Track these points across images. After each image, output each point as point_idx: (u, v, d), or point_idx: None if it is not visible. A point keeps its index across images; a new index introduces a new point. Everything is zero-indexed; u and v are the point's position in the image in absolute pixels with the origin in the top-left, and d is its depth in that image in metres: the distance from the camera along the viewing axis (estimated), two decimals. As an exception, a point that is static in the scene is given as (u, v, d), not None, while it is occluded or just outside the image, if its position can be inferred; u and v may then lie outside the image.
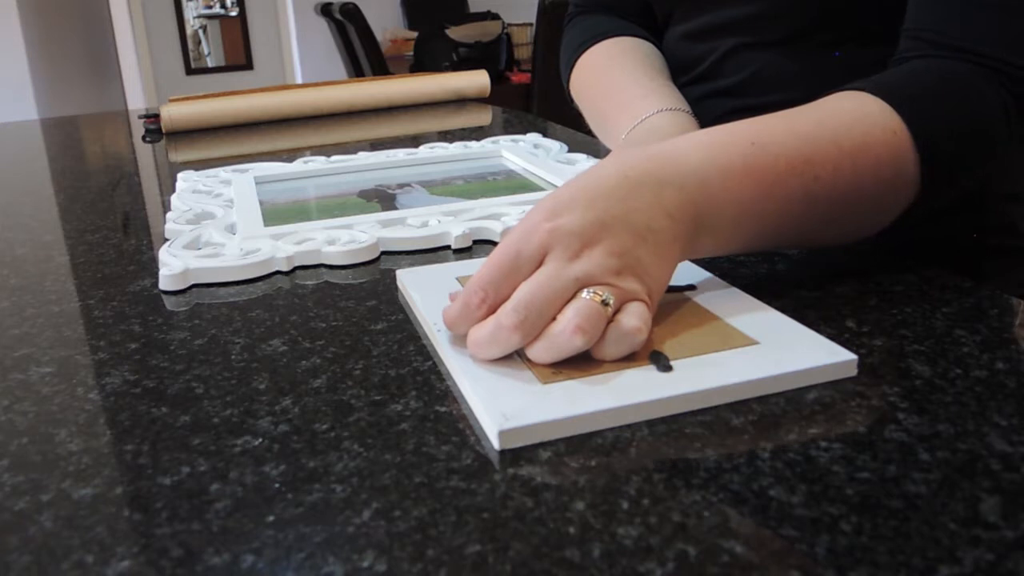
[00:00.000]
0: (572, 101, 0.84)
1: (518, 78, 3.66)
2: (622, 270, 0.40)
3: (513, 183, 0.75)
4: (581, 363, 0.38)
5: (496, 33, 3.70)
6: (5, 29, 2.61)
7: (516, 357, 0.39)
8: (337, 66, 4.15)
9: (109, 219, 0.72)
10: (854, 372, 0.38)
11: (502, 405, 0.35)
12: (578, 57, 0.82)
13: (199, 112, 1.14)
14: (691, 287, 0.47)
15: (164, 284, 0.53)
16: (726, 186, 0.44)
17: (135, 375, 0.42)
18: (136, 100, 4.61)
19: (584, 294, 0.38)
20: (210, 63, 5.10)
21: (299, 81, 5.00)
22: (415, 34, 4.11)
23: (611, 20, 0.83)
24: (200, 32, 5.06)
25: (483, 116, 1.18)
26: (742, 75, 0.71)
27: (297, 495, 0.31)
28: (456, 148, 0.88)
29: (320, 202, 0.72)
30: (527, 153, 0.83)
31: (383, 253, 0.58)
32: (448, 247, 0.59)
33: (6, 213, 0.76)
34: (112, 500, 0.32)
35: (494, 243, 0.59)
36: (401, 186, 0.75)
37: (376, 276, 0.54)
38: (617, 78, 0.75)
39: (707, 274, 0.49)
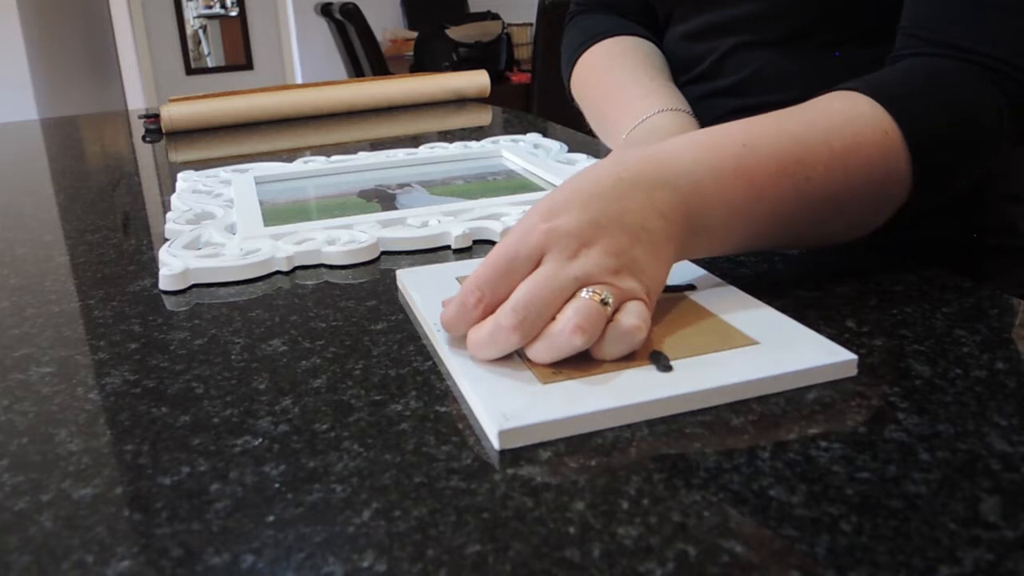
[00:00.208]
0: (573, 100, 0.84)
1: (518, 78, 3.66)
2: (620, 269, 0.40)
3: (513, 183, 0.75)
4: (581, 363, 0.38)
5: (496, 33, 3.70)
6: (5, 29, 2.61)
7: (516, 357, 0.39)
8: (337, 66, 4.15)
9: (109, 219, 0.72)
10: (854, 372, 0.38)
11: (502, 405, 0.35)
12: (579, 56, 0.82)
13: (199, 112, 1.14)
14: (691, 287, 0.47)
15: (164, 284, 0.53)
16: (718, 187, 0.44)
17: (135, 375, 0.42)
18: (136, 100, 4.62)
19: (583, 294, 0.38)
20: (210, 63, 5.10)
21: (299, 81, 5.00)
22: (415, 34, 4.11)
23: (612, 19, 0.83)
24: (200, 32, 5.06)
25: (483, 116, 1.18)
26: (742, 74, 0.71)
27: (297, 495, 0.31)
28: (456, 148, 0.88)
29: (320, 202, 0.72)
30: (527, 153, 0.83)
31: (383, 253, 0.58)
32: (448, 247, 0.59)
33: (6, 213, 0.76)
34: (112, 500, 0.32)
35: (494, 243, 0.59)
36: (401, 186, 0.75)
37: (376, 276, 0.54)
38: (618, 78, 0.75)
39: (707, 274, 0.49)
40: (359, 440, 0.35)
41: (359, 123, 1.16)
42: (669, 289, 0.47)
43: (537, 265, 0.40)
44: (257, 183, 0.77)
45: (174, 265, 0.54)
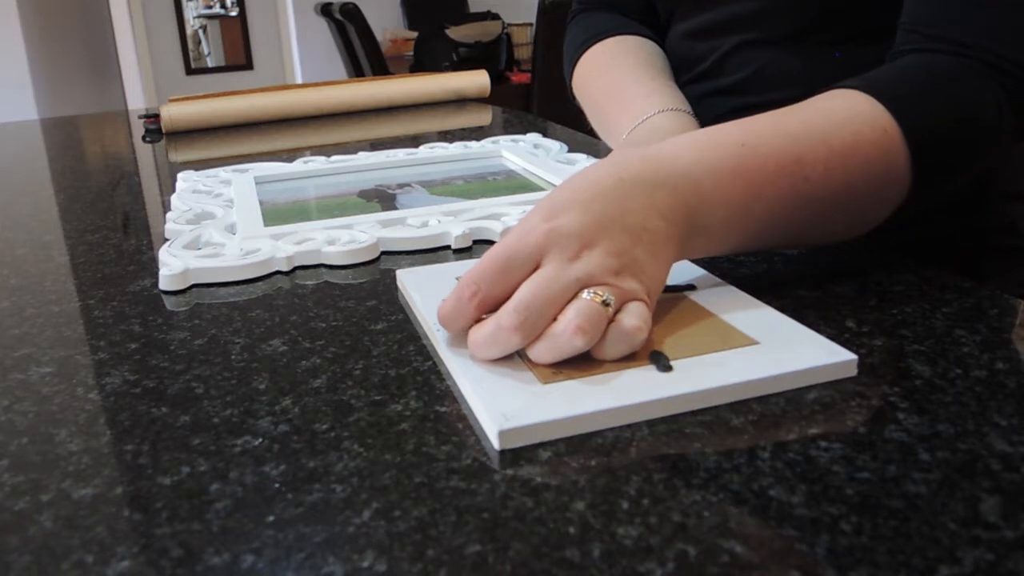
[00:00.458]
0: (574, 99, 0.84)
1: (518, 78, 3.66)
2: (621, 270, 0.40)
3: (513, 183, 0.75)
4: (581, 363, 0.38)
5: (496, 33, 3.70)
6: (5, 29, 2.61)
7: (516, 357, 0.39)
8: (337, 66, 4.15)
9: (109, 219, 0.72)
10: (854, 372, 0.38)
11: (502, 405, 0.35)
12: (581, 55, 0.82)
13: (199, 112, 1.14)
14: (691, 287, 0.47)
15: (164, 284, 0.53)
16: (716, 187, 0.44)
17: (135, 375, 0.42)
18: (136, 100, 4.61)
19: (584, 294, 0.38)
20: (210, 63, 5.10)
21: (299, 81, 5.00)
22: (415, 34, 4.11)
23: (614, 18, 0.84)
24: (200, 32, 5.06)
25: (483, 116, 1.18)
26: (744, 73, 0.71)
27: (297, 495, 0.31)
28: (456, 148, 0.88)
29: (320, 202, 0.72)
30: (527, 153, 0.83)
31: (383, 253, 0.58)
32: (448, 247, 0.59)
33: (6, 213, 0.76)
34: (112, 500, 0.32)
35: (494, 243, 0.59)
36: (401, 186, 0.75)
37: (376, 276, 0.54)
38: (619, 77, 0.75)
39: (707, 274, 0.49)
40: (359, 440, 0.35)
41: (359, 123, 1.16)
42: (669, 289, 0.47)
43: (537, 265, 0.40)
44: (257, 183, 0.77)
45: (174, 265, 0.54)
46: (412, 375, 0.40)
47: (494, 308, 0.40)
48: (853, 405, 0.36)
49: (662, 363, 0.38)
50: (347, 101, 1.21)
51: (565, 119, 1.07)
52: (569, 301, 0.39)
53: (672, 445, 0.34)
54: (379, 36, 3.70)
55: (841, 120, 0.48)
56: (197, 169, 0.84)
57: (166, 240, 0.61)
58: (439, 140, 0.96)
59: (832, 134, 0.47)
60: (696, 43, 0.75)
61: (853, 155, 0.47)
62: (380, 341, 0.44)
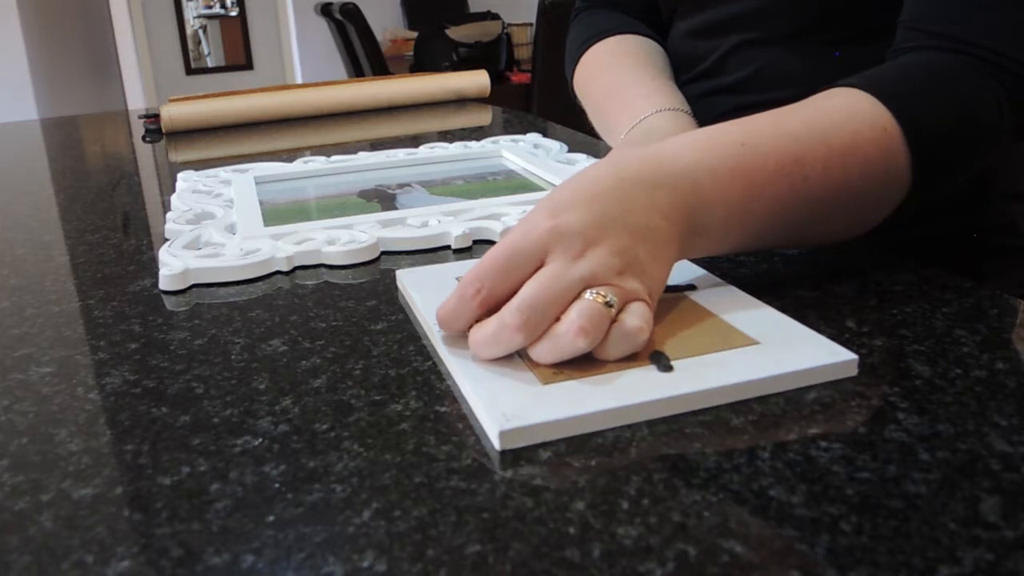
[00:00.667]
0: (576, 97, 0.84)
1: (518, 78, 3.66)
2: (623, 270, 0.40)
3: (513, 183, 0.75)
4: (582, 363, 0.38)
5: (496, 33, 3.70)
6: (5, 29, 2.61)
7: (517, 357, 0.39)
8: (337, 66, 4.15)
9: (109, 219, 0.72)
10: (854, 372, 0.38)
11: (503, 405, 0.35)
12: (582, 54, 0.83)
13: (199, 112, 1.14)
14: (691, 287, 0.47)
15: (164, 284, 0.53)
16: (716, 186, 0.44)
17: (135, 375, 0.42)
18: (136, 100, 4.61)
19: (587, 295, 0.38)
20: (210, 63, 5.10)
21: (299, 81, 5.00)
22: (415, 34, 4.11)
23: (616, 16, 0.84)
24: (200, 32, 5.06)
25: (483, 116, 1.18)
26: (745, 72, 0.71)
27: (297, 495, 0.31)
28: (456, 148, 0.88)
29: (320, 202, 0.72)
30: (527, 153, 0.83)
31: (383, 253, 0.58)
32: (448, 247, 0.59)
33: (6, 213, 0.76)
34: (112, 500, 0.32)
35: (494, 243, 0.59)
36: (401, 186, 0.75)
37: (376, 276, 0.54)
38: (619, 76, 0.75)
39: (707, 274, 0.49)
40: (359, 440, 0.35)
41: (359, 123, 1.16)
42: (669, 289, 0.47)
43: (540, 263, 0.40)
44: (257, 183, 0.77)
45: (174, 265, 0.54)
46: (412, 375, 0.40)
47: (496, 307, 0.39)
48: (853, 405, 0.36)
49: (662, 363, 0.38)
50: (347, 101, 1.21)
51: (565, 119, 1.07)
52: (572, 301, 0.38)
53: (672, 445, 0.34)
54: (379, 36, 3.70)
55: (840, 119, 0.47)
56: (197, 169, 0.84)
57: (166, 240, 0.61)
58: (439, 140, 0.96)
59: (831, 133, 0.47)
60: (697, 42, 0.75)
61: (852, 154, 0.47)
62: (380, 341, 0.44)
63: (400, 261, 0.56)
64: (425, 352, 0.43)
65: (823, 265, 0.52)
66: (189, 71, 5.05)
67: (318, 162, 0.84)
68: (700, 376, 0.37)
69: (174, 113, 1.13)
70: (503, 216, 0.62)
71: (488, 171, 0.80)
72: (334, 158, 0.85)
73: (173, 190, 0.77)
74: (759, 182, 0.45)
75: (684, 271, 0.49)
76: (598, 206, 0.41)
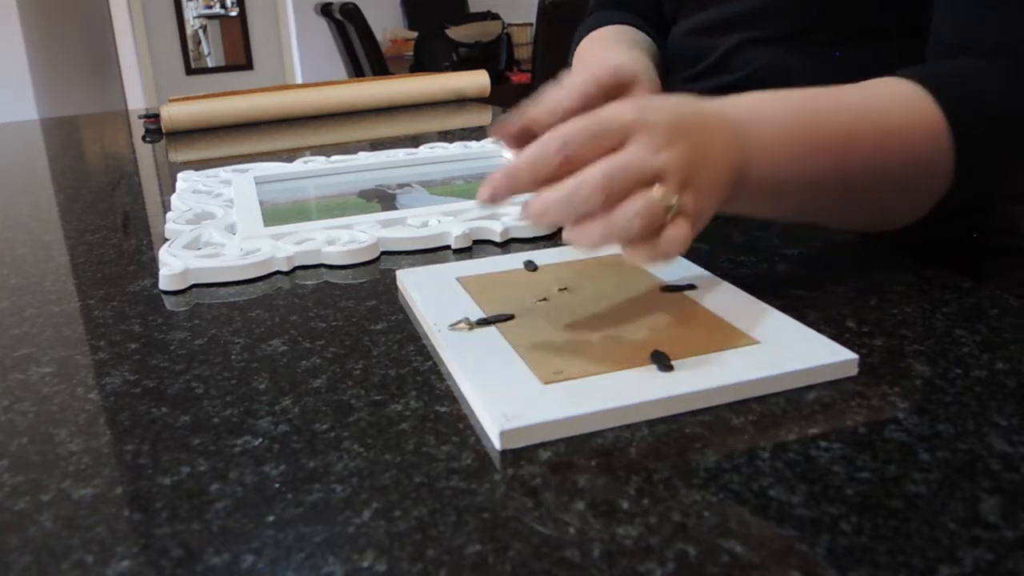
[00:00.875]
0: None
1: (518, 78, 3.66)
2: (687, 183, 0.40)
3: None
4: (581, 363, 0.38)
5: (496, 33, 3.70)
6: (5, 29, 2.61)
7: (517, 357, 0.39)
8: (337, 66, 4.15)
9: (109, 219, 0.72)
10: (855, 372, 0.38)
11: (503, 405, 0.35)
12: (577, 44, 0.85)
13: (199, 112, 1.14)
14: (691, 286, 0.47)
15: (164, 284, 0.53)
16: (768, 149, 0.46)
17: (135, 375, 0.42)
18: (136, 100, 4.61)
19: (656, 190, 0.38)
20: (210, 63, 5.10)
21: (299, 81, 5.00)
22: (415, 34, 4.11)
23: (619, 15, 0.86)
24: (200, 32, 5.06)
25: (483, 116, 1.18)
26: (745, 71, 0.71)
27: (297, 495, 0.31)
28: (456, 148, 0.88)
29: (320, 202, 0.72)
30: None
31: (383, 253, 0.58)
32: (448, 247, 0.59)
33: (6, 213, 0.76)
34: (112, 500, 0.32)
35: (494, 243, 0.59)
36: (401, 186, 0.76)
37: (376, 276, 0.54)
38: (595, 50, 0.79)
39: (707, 274, 0.49)
40: (359, 440, 0.35)
41: (359, 123, 1.16)
42: (669, 289, 0.47)
43: (621, 145, 0.39)
44: (257, 183, 0.77)
45: (174, 265, 0.54)
46: (412, 375, 0.40)
47: (562, 177, 0.39)
48: (853, 405, 0.36)
49: (662, 363, 0.38)
50: (347, 101, 1.21)
51: (565, 119, 1.07)
52: (640, 190, 0.38)
53: (672, 445, 0.34)
54: (379, 36, 3.70)
55: (895, 106, 0.49)
56: (197, 169, 0.84)
57: (166, 240, 0.61)
58: (439, 140, 0.96)
59: (884, 118, 0.49)
60: (698, 40, 0.76)
61: (901, 141, 0.48)
62: (380, 341, 0.44)
63: (400, 261, 0.56)
64: (425, 352, 0.43)
65: (823, 265, 0.52)
66: (189, 71, 5.05)
67: (318, 162, 0.84)
68: (700, 376, 0.37)
69: (174, 113, 1.13)
70: (503, 216, 0.62)
71: (488, 171, 0.80)
72: (334, 158, 0.85)
73: (173, 190, 0.77)
74: (809, 152, 0.47)
75: (685, 271, 0.49)
76: (681, 119, 0.41)
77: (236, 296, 0.52)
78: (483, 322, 0.43)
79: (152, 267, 0.58)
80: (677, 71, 0.78)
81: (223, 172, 0.81)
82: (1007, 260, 0.70)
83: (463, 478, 0.32)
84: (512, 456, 0.33)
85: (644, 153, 0.39)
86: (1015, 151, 0.52)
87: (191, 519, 0.30)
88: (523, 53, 4.01)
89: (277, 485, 0.32)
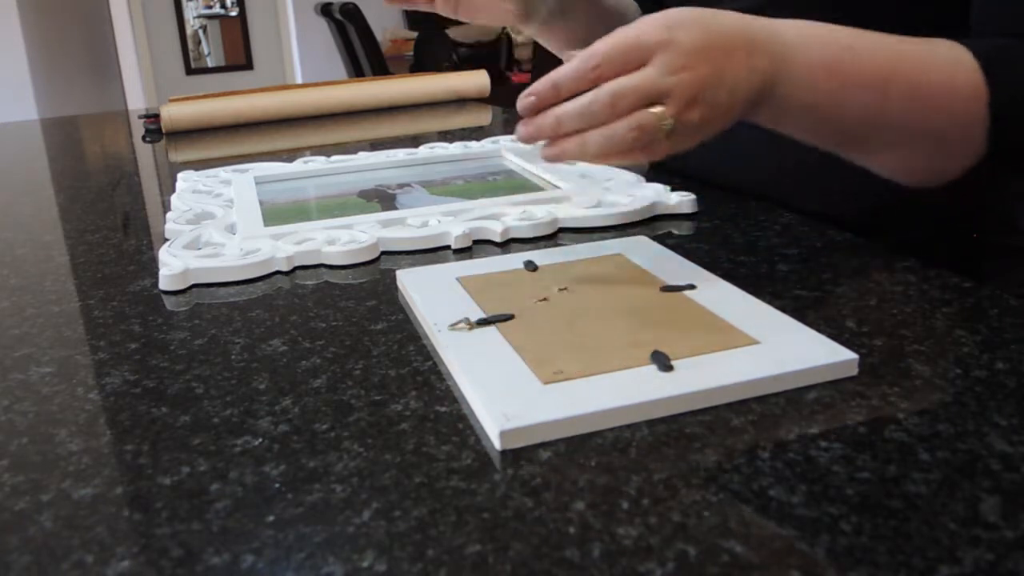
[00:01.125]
0: None
1: (518, 78, 3.66)
2: (695, 102, 0.46)
3: (513, 183, 0.75)
4: (581, 363, 0.38)
5: (496, 33, 3.70)
6: (5, 29, 2.61)
7: (517, 357, 0.39)
8: (337, 66, 4.15)
9: (109, 219, 0.72)
10: (855, 371, 0.38)
11: (503, 405, 0.35)
12: None
13: (199, 112, 1.14)
14: (691, 286, 0.47)
15: (164, 284, 0.53)
16: (807, 73, 0.50)
17: (135, 375, 0.42)
18: (136, 100, 4.61)
19: (656, 108, 0.45)
20: (210, 63, 5.10)
21: (299, 81, 5.00)
22: (415, 34, 4.11)
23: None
24: (200, 32, 5.05)
25: (483, 116, 1.18)
26: None
27: (297, 495, 0.31)
28: (456, 148, 0.88)
29: (320, 202, 0.72)
30: (527, 153, 0.82)
31: (383, 253, 0.58)
32: (448, 247, 0.59)
33: (6, 213, 0.76)
34: (112, 500, 0.32)
35: (494, 243, 0.59)
36: (401, 186, 0.76)
37: (376, 276, 0.54)
38: None
39: (708, 273, 0.49)
40: (359, 440, 0.35)
41: (359, 123, 1.16)
42: (669, 288, 0.47)
43: (645, 62, 0.46)
44: (257, 183, 0.77)
45: (174, 265, 0.54)
46: (412, 375, 0.40)
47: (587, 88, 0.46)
48: (853, 405, 0.36)
49: (662, 363, 0.38)
50: (347, 101, 1.21)
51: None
52: (648, 105, 0.45)
53: (672, 445, 0.34)
54: (379, 36, 3.69)
55: (941, 63, 0.51)
56: (197, 169, 0.84)
57: (166, 240, 0.61)
58: (439, 140, 0.96)
59: (929, 69, 0.51)
60: None
61: (938, 95, 0.51)
62: (380, 341, 0.44)
63: (400, 261, 0.56)
64: (425, 352, 0.43)
65: (823, 265, 0.52)
66: (189, 71, 5.05)
67: (318, 162, 0.84)
68: (700, 376, 0.37)
69: (174, 113, 1.13)
70: (503, 216, 0.62)
71: (488, 171, 0.80)
72: (334, 158, 0.85)
73: (173, 190, 0.77)
74: (846, 84, 0.50)
75: (686, 271, 0.49)
76: (707, 39, 0.47)
77: (236, 296, 0.52)
78: (483, 322, 0.43)
79: (152, 267, 0.58)
80: None
81: (223, 172, 0.81)
82: (1007, 260, 0.70)
83: (463, 478, 0.32)
84: (512, 456, 0.33)
85: (656, 74, 0.45)
86: None
87: (191, 519, 0.30)
88: (523, 53, 4.00)
89: (277, 485, 0.32)
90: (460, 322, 0.43)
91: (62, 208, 0.77)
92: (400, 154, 0.86)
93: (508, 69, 3.75)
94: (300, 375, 0.41)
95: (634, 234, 0.58)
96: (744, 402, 0.36)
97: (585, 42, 0.69)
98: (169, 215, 0.67)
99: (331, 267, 0.56)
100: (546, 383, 0.37)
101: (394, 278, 0.53)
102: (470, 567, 0.27)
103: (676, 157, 0.53)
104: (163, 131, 1.14)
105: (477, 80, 1.30)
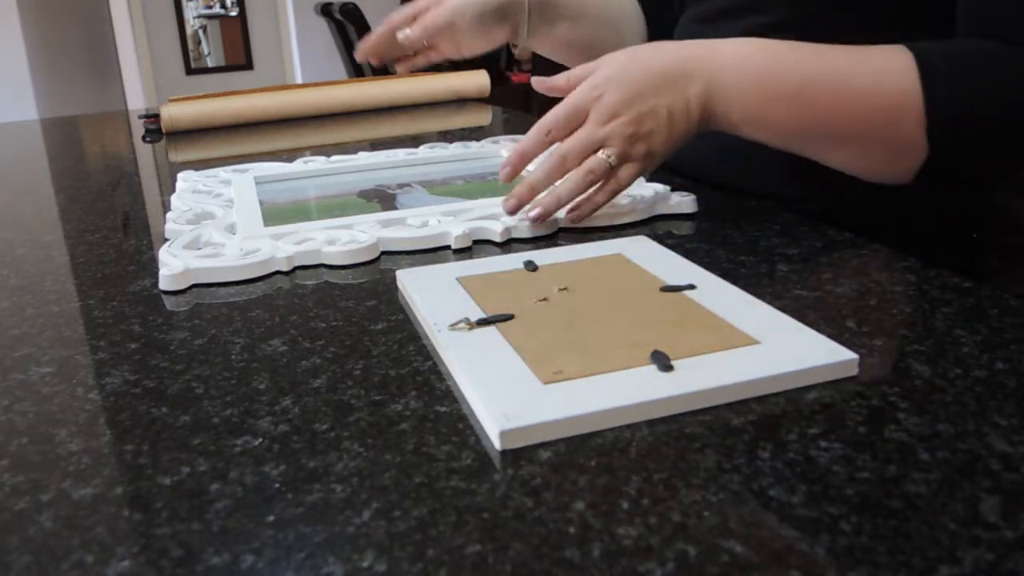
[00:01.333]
0: None
1: (518, 78, 3.66)
2: (636, 138, 0.57)
3: (513, 183, 0.75)
4: (581, 363, 0.38)
5: (496, 33, 3.69)
6: (5, 29, 2.61)
7: (517, 357, 0.39)
8: (337, 66, 4.15)
9: (109, 219, 0.72)
10: (855, 371, 0.38)
11: (503, 405, 0.35)
12: None
13: (199, 112, 1.14)
14: (691, 286, 0.47)
15: (164, 284, 0.53)
16: (738, 87, 0.57)
17: (135, 375, 0.42)
18: (136, 100, 4.61)
19: (601, 153, 0.57)
20: (210, 63, 5.10)
21: (299, 81, 5.00)
22: (415, 34, 4.10)
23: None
24: (200, 32, 5.05)
25: (483, 116, 1.18)
26: None
27: (297, 495, 0.31)
28: (456, 148, 0.88)
29: (320, 202, 0.72)
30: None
31: (383, 253, 0.58)
32: (448, 247, 0.59)
33: (6, 213, 0.76)
34: (112, 500, 0.32)
35: (494, 243, 0.59)
36: (401, 186, 0.75)
37: (376, 276, 0.54)
38: None
39: (708, 273, 0.49)
40: (359, 440, 0.35)
41: (359, 123, 1.16)
42: (669, 288, 0.47)
43: (584, 120, 0.58)
44: (257, 183, 0.77)
45: (174, 265, 0.54)
46: (412, 375, 0.40)
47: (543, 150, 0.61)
48: (853, 405, 0.36)
49: (662, 363, 0.38)
50: (347, 101, 1.21)
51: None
52: (592, 153, 0.58)
53: (672, 445, 0.34)
54: (379, 36, 3.69)
55: (869, 70, 0.56)
56: (197, 169, 0.84)
57: (166, 240, 0.61)
58: (439, 140, 0.96)
59: (855, 77, 0.55)
60: (702, 29, 0.76)
61: (863, 101, 0.54)
62: (380, 341, 0.44)
63: (400, 261, 0.56)
64: (425, 352, 0.43)
65: (823, 265, 0.52)
66: (189, 71, 5.05)
67: (318, 162, 0.84)
68: (700, 376, 0.37)
69: (174, 113, 1.13)
70: (503, 216, 0.62)
71: (488, 171, 0.80)
72: (334, 158, 0.85)
73: (173, 190, 0.77)
74: (776, 96, 0.57)
75: (685, 271, 0.49)
76: (635, 88, 0.57)
77: (236, 296, 0.52)
78: (483, 322, 0.43)
79: (152, 267, 0.58)
80: None
81: (223, 172, 0.81)
82: (1007, 259, 0.70)
83: (463, 478, 0.32)
84: (512, 456, 0.33)
85: (592, 128, 0.58)
86: (1009, 140, 0.53)
87: (191, 519, 0.30)
88: (523, 53, 4.00)
89: (277, 485, 0.32)
90: (460, 322, 0.43)
91: (62, 208, 0.77)
92: (400, 154, 0.86)
93: (508, 69, 3.75)
94: (300, 375, 0.41)
95: (634, 234, 0.59)
96: (744, 402, 0.36)
97: (573, 45, 0.80)
98: (169, 215, 0.67)
99: (331, 267, 0.56)
100: (546, 383, 0.37)
101: (394, 278, 0.53)
102: (470, 567, 0.27)
103: (676, 157, 0.55)
104: (163, 131, 1.14)
105: (477, 80, 1.30)
